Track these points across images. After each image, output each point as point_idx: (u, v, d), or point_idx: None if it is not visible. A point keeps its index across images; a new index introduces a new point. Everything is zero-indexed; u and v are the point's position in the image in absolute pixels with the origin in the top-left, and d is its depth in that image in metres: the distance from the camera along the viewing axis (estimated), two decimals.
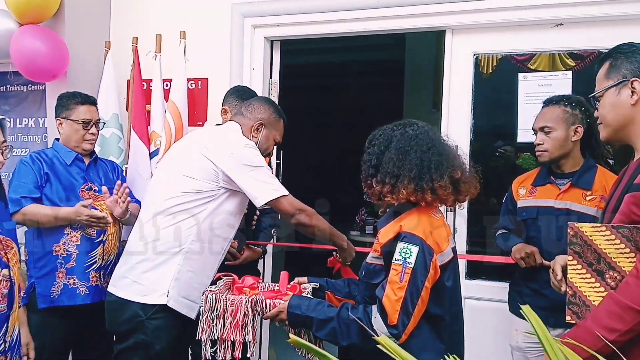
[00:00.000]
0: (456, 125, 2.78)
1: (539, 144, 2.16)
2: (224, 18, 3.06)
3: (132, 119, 2.96)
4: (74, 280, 2.24)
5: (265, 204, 1.96)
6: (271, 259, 3.17)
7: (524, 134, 2.62)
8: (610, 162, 2.26)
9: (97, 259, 2.29)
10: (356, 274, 2.16)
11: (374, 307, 1.47)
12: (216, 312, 1.66)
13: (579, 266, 1.38)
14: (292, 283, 1.84)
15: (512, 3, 2.59)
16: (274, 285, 1.85)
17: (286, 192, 1.98)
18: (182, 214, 1.93)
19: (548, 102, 2.19)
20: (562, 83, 2.59)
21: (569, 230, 1.40)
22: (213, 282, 1.96)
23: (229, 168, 1.92)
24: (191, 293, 1.93)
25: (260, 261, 2.87)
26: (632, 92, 1.42)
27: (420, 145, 1.52)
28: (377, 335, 1.30)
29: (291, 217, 1.99)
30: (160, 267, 1.91)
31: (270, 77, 3.14)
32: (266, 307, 1.64)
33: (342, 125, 6.55)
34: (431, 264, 1.45)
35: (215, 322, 1.66)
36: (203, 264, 1.97)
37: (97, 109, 2.47)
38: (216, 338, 1.66)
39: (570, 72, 2.60)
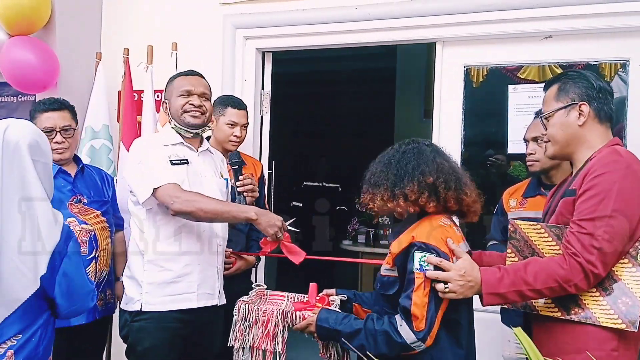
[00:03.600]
0: (447, 135, 2.80)
1: (530, 154, 2.18)
2: (215, 29, 3.06)
3: (122, 130, 2.95)
4: None
5: (146, 202, 1.93)
6: (264, 268, 3.16)
7: (515, 145, 2.64)
8: None
9: (90, 276, 2.20)
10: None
11: (398, 316, 1.52)
12: (249, 321, 1.72)
13: (516, 258, 1.61)
14: (320, 295, 1.86)
15: (502, 16, 2.61)
16: (304, 297, 1.88)
17: (161, 182, 1.90)
18: (133, 221, 2.05)
19: (540, 113, 2.20)
20: None
21: (509, 227, 1.63)
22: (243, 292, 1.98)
23: (124, 175, 2.06)
24: (176, 288, 1.98)
25: (253, 270, 2.86)
26: (580, 114, 1.58)
27: (399, 154, 1.62)
28: (405, 343, 1.46)
29: (168, 208, 1.91)
30: (132, 275, 2.02)
31: (262, 88, 3.14)
32: (296, 318, 1.70)
33: (334, 134, 6.56)
34: None
35: (247, 331, 1.72)
36: (174, 260, 1.99)
37: (72, 114, 2.32)
38: (248, 346, 1.73)
39: None
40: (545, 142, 1.69)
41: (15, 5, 2.77)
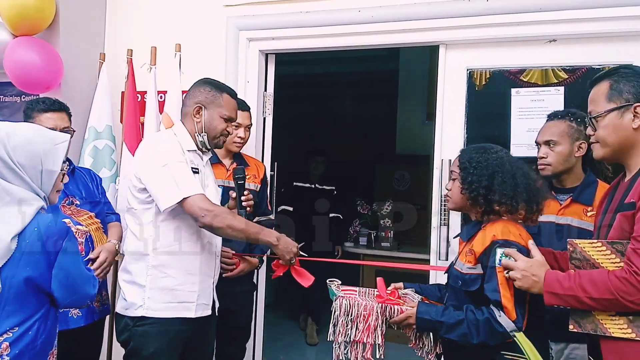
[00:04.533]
0: (449, 138, 2.80)
1: (542, 157, 2.13)
2: (219, 31, 3.07)
3: (124, 131, 2.96)
4: None
5: (169, 208, 1.91)
6: (265, 269, 3.16)
7: (517, 149, 2.64)
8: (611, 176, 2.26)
9: None
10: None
11: (493, 308, 1.64)
12: (351, 316, 1.80)
13: None
14: (390, 289, 1.94)
15: (505, 19, 2.61)
16: (374, 291, 1.94)
17: (192, 192, 1.89)
18: (139, 225, 2.00)
19: (553, 116, 2.16)
20: (554, 98, 2.61)
21: (568, 247, 1.54)
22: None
23: (139, 174, 1.97)
24: (177, 295, 1.98)
25: (255, 272, 2.86)
26: (635, 116, 1.49)
27: (519, 169, 1.74)
28: (506, 332, 1.57)
29: (197, 220, 1.91)
30: (133, 280, 2.00)
31: (265, 90, 3.15)
32: (394, 312, 1.78)
33: (336, 136, 6.56)
34: None
35: (349, 325, 1.80)
36: (178, 267, 1.99)
37: (69, 116, 2.27)
38: (349, 340, 1.81)
39: (563, 87, 2.62)
40: (592, 142, 1.61)
41: (20, 6, 2.78)
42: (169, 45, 2.96)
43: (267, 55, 3.15)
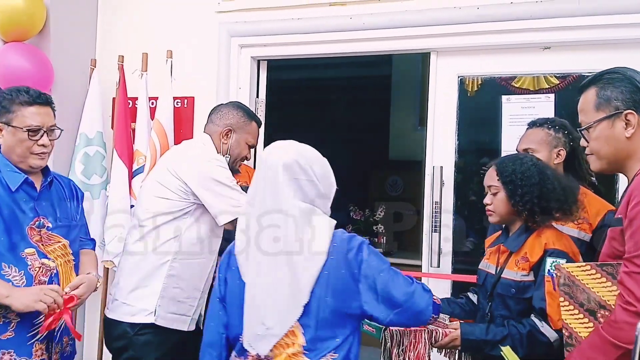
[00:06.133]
0: (441, 143, 2.80)
1: None
2: (211, 37, 3.06)
3: (115, 137, 2.94)
4: (11, 356, 1.67)
5: (228, 223, 1.96)
6: None
7: None
8: (594, 181, 2.27)
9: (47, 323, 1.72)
10: None
11: (534, 319, 1.67)
12: (403, 346, 1.79)
13: (571, 307, 1.38)
14: None
15: (496, 27, 2.61)
16: None
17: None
18: (162, 232, 1.98)
19: (532, 125, 2.19)
20: (545, 105, 2.62)
21: (556, 273, 1.43)
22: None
23: (192, 184, 1.96)
24: (180, 307, 2.00)
25: None
26: (627, 124, 1.38)
27: (556, 173, 1.79)
28: (550, 342, 1.58)
29: None
30: (146, 285, 1.97)
31: (257, 96, 3.14)
32: (439, 336, 1.79)
33: (328, 141, 6.54)
34: None
35: (401, 357, 1.80)
36: (189, 279, 2.02)
37: (54, 111, 1.87)
38: None
39: (553, 94, 2.64)
40: (588, 154, 1.51)
41: (10, 12, 2.77)
42: (161, 51, 2.96)
43: (259, 61, 3.15)
